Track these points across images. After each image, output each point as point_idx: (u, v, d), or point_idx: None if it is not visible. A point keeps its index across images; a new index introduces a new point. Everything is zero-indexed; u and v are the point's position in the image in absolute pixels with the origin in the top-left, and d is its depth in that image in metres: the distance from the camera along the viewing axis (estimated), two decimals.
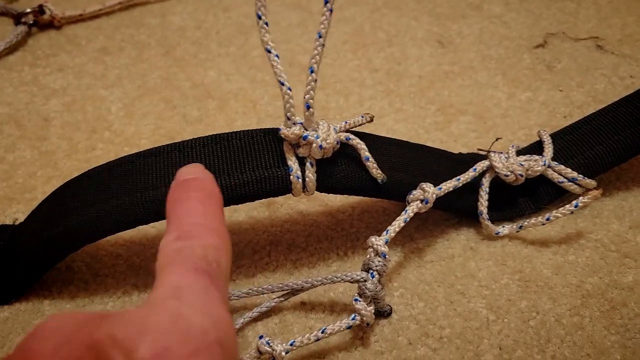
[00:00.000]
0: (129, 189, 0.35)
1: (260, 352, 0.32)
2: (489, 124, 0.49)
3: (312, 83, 0.33)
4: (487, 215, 0.40)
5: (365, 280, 0.33)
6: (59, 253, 0.36)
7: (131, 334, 0.19)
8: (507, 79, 0.53)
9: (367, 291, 0.33)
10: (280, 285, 0.35)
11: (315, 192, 0.36)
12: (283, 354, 0.32)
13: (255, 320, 0.36)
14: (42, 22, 0.59)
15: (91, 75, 0.54)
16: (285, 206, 0.43)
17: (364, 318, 0.33)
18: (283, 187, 0.35)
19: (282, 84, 0.33)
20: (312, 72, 0.33)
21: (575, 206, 0.38)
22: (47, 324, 0.20)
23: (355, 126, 0.36)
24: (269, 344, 0.32)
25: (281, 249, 0.40)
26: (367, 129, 0.48)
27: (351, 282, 0.34)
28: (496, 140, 0.44)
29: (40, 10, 0.58)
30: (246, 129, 0.36)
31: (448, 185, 0.37)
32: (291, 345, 0.32)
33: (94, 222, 0.34)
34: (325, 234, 0.41)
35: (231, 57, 0.56)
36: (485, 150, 0.44)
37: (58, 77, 0.54)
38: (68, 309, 0.37)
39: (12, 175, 0.45)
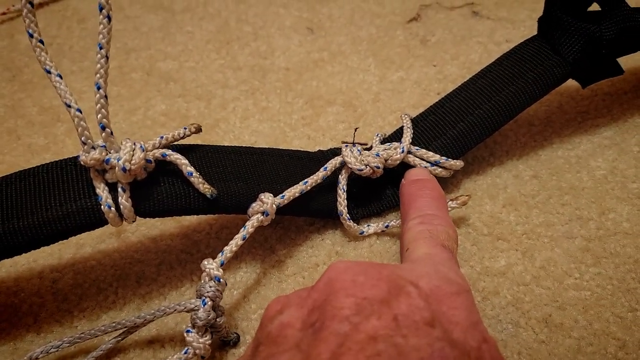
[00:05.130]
0: None
1: None
2: (359, 112, 0.46)
3: (102, 100, 0.29)
4: (347, 216, 0.36)
5: (197, 309, 0.30)
6: None
7: (411, 276, 0.26)
8: (378, 60, 0.50)
9: (198, 321, 0.29)
10: (114, 324, 0.31)
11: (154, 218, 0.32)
12: None
13: None
14: None
15: None
16: (137, 233, 0.39)
17: (197, 351, 0.29)
18: (96, 218, 0.31)
19: (69, 106, 0.29)
20: (99, 88, 0.29)
21: None
22: (340, 265, 0.26)
23: (176, 140, 0.32)
24: None
25: (129, 284, 0.36)
26: (228, 135, 0.45)
27: (186, 312, 0.30)
28: (356, 130, 0.41)
29: None
30: None
31: (293, 191, 0.34)
32: None
33: None
34: (179, 259, 0.37)
35: (85, 72, 0.52)
36: (350, 143, 0.40)
37: None
38: None
39: None
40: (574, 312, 0.32)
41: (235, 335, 0.32)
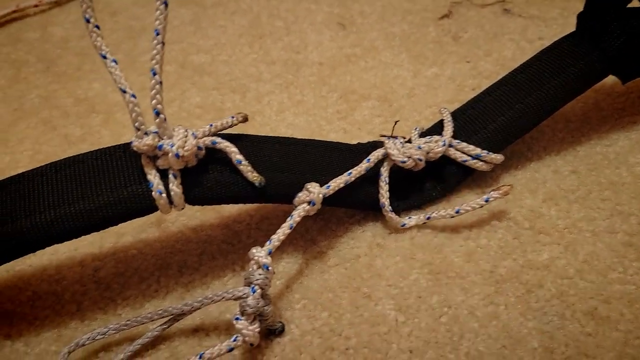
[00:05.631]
0: None
1: None
2: (394, 107, 0.46)
3: (157, 86, 0.29)
4: (389, 207, 0.36)
5: (246, 297, 0.30)
6: None
7: None
8: (412, 55, 0.50)
9: (248, 308, 0.29)
10: (160, 311, 0.31)
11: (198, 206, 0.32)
12: None
13: (139, 354, 0.32)
14: None
15: None
16: (177, 223, 0.39)
17: (247, 338, 0.29)
18: (146, 205, 0.31)
19: (124, 92, 0.29)
20: (154, 74, 0.29)
21: (486, 200, 0.35)
22: None
23: (224, 128, 0.33)
24: None
25: (171, 273, 0.36)
26: (264, 128, 0.45)
27: (234, 300, 0.31)
28: (396, 123, 0.41)
29: None
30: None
31: (338, 182, 0.34)
32: None
33: None
34: (220, 249, 0.37)
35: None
36: (388, 136, 0.40)
37: None
38: None
39: None
40: (620, 305, 0.32)
41: (280, 324, 0.32)
